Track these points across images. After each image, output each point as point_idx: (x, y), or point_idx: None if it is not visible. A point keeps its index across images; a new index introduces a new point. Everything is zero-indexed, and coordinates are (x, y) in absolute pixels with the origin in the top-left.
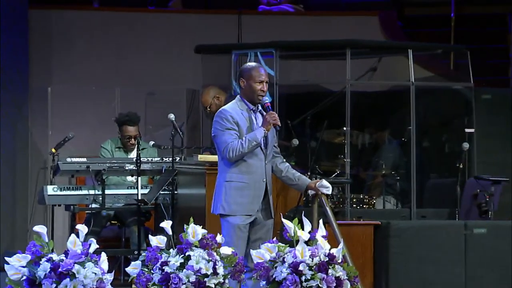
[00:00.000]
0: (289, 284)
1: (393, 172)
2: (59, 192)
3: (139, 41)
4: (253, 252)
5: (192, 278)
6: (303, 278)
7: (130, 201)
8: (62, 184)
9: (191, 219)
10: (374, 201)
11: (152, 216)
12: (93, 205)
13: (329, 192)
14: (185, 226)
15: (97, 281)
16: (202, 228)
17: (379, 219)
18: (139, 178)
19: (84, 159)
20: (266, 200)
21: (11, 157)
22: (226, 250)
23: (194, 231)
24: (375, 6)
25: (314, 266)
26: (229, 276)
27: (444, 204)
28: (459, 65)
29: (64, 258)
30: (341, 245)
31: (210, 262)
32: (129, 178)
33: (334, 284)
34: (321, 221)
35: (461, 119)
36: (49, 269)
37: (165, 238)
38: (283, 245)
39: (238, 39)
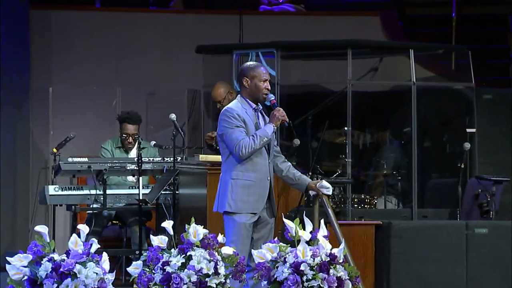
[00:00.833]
0: (291, 284)
1: (394, 172)
2: (60, 192)
3: (140, 41)
4: (254, 252)
5: (194, 278)
6: (304, 278)
7: (131, 201)
8: (63, 184)
9: (193, 219)
10: (376, 201)
11: (154, 216)
12: (94, 205)
13: (330, 193)
14: (187, 226)
15: (98, 281)
16: (204, 228)
17: (380, 219)
18: (140, 178)
19: (86, 159)
20: (270, 198)
21: (11, 157)
22: (227, 250)
23: (196, 231)
24: (376, 6)
25: (316, 266)
26: (230, 276)
27: (445, 204)
28: (460, 65)
29: (65, 258)
30: (342, 245)
31: (212, 262)
32: (129, 178)
33: (336, 284)
34: (322, 221)
35: (462, 119)
36: (50, 269)
37: (166, 238)
38: (285, 245)
39: (239, 39)
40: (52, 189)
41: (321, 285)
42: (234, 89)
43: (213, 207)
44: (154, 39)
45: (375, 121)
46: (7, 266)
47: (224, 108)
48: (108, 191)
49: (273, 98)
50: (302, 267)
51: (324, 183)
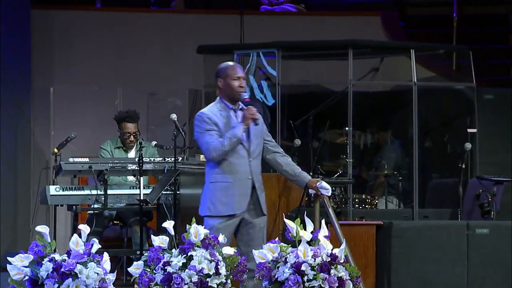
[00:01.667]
0: (291, 284)
1: (395, 172)
2: (61, 192)
3: (141, 41)
4: (255, 252)
5: (195, 278)
6: (305, 278)
7: (132, 201)
8: (64, 184)
9: (193, 219)
10: (376, 201)
11: (154, 216)
12: (95, 205)
13: (329, 194)
14: (187, 226)
15: (99, 281)
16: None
17: (381, 219)
18: (142, 178)
19: (87, 159)
20: (255, 198)
21: (13, 157)
22: (228, 250)
23: (196, 231)
24: (377, 6)
25: (317, 266)
26: (231, 276)
27: (446, 204)
28: (461, 65)
29: (66, 258)
30: (343, 245)
31: (213, 262)
32: (130, 178)
33: (336, 284)
34: (323, 221)
35: (463, 119)
36: (51, 269)
37: (167, 238)
38: (285, 245)
39: (240, 39)
40: (53, 189)
41: (322, 285)
42: None
43: None
44: (155, 39)
45: (376, 121)
46: (8, 266)
47: (197, 112)
48: (109, 191)
49: (246, 97)
50: (303, 267)
51: (324, 184)
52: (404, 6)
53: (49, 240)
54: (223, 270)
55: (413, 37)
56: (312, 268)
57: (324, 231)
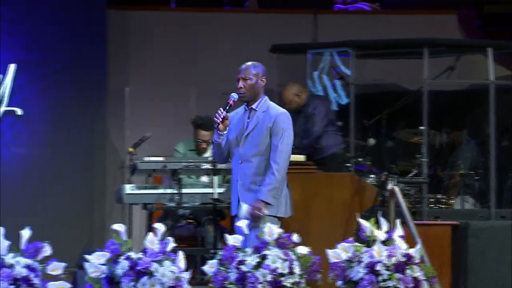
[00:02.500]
0: (366, 284)
1: (471, 172)
2: (136, 191)
3: (215, 40)
4: (329, 252)
5: (269, 278)
6: (380, 278)
7: (206, 200)
8: (139, 183)
9: (266, 219)
10: (452, 201)
11: (227, 215)
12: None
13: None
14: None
15: (174, 279)
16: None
17: (456, 219)
18: (215, 177)
19: (161, 158)
20: (240, 201)
21: (89, 157)
22: (302, 250)
23: (270, 231)
24: (454, 4)
25: (391, 266)
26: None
27: None
28: None
29: (142, 256)
30: (419, 245)
31: (286, 262)
32: (202, 178)
33: (412, 285)
34: (398, 221)
35: None
36: (127, 267)
37: (241, 238)
38: (360, 245)
39: (313, 38)
40: (128, 188)
41: (397, 285)
42: (306, 89)
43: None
44: (229, 38)
45: (451, 121)
46: (86, 264)
47: None
48: (183, 190)
49: (230, 99)
50: (377, 267)
51: (240, 212)
52: (482, 3)
53: (125, 239)
54: (297, 270)
55: (490, 35)
56: (387, 268)
57: (399, 231)
